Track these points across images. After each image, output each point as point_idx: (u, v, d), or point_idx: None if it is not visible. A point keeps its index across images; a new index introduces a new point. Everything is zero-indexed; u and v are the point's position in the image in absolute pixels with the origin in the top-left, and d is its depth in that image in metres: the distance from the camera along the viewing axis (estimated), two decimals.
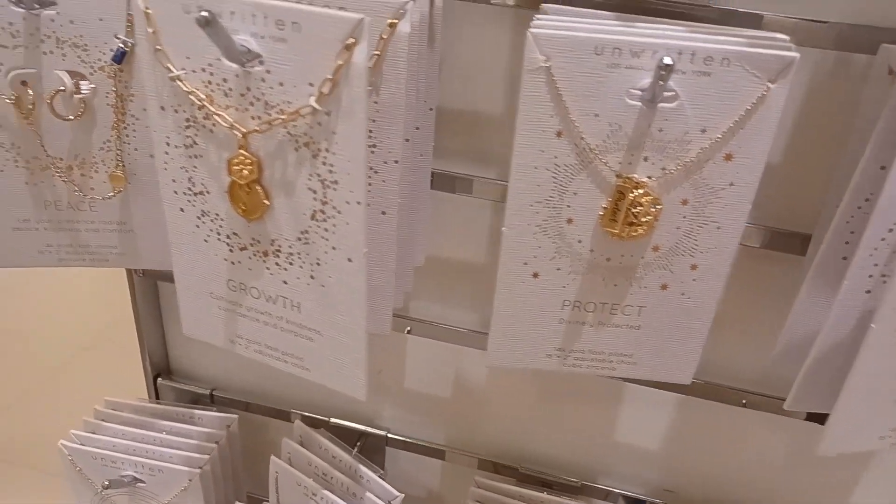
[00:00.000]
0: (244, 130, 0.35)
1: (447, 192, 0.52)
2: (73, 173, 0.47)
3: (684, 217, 0.38)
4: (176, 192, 0.39)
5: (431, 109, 0.46)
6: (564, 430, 0.64)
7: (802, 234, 0.47)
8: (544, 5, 0.40)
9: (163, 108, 0.37)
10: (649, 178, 0.37)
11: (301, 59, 0.32)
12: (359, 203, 0.34)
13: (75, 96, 0.44)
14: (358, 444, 0.67)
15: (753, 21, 0.42)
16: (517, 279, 0.41)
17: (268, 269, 0.39)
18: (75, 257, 0.51)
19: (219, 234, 0.39)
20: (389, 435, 0.67)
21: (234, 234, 0.39)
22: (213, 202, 0.38)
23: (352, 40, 0.30)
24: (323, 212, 0.35)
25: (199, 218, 0.39)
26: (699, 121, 0.35)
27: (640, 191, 0.37)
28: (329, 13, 0.30)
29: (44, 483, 1.14)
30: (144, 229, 0.50)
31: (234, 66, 0.33)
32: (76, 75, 0.44)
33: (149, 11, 0.34)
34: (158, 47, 0.35)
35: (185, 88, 0.35)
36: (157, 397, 0.70)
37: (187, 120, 0.36)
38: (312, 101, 0.32)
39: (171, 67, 0.35)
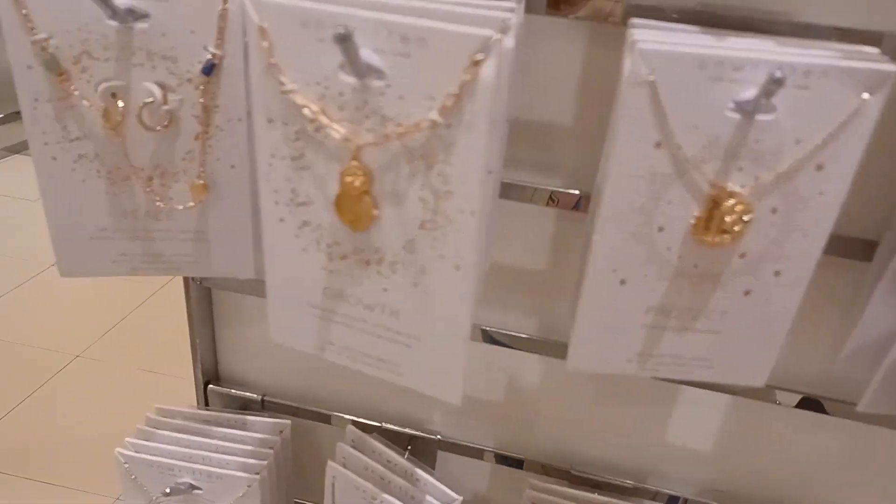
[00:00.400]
0: (359, 143, 0.35)
1: (511, 201, 0.54)
2: (153, 183, 0.47)
3: (773, 225, 0.40)
4: (277, 203, 0.40)
5: (507, 121, 0.47)
6: (615, 432, 0.65)
7: (866, 241, 0.49)
8: (633, 20, 0.41)
9: (271, 120, 0.37)
10: (742, 187, 0.39)
11: (424, 73, 0.33)
12: (472, 213, 0.35)
13: (163, 107, 0.44)
14: (408, 448, 0.68)
15: (827, 33, 0.44)
16: (604, 285, 0.42)
17: (368, 277, 0.40)
18: (148, 266, 0.51)
19: (318, 243, 0.40)
20: (441, 438, 0.68)
21: (336, 243, 0.40)
22: (316, 212, 0.39)
23: (480, 56, 0.31)
24: (433, 221, 0.36)
25: (299, 228, 0.40)
26: (794, 132, 0.37)
27: (734, 200, 0.39)
28: (457, 30, 0.31)
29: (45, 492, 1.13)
30: (220, 238, 0.50)
31: (353, 80, 0.34)
32: (164, 87, 0.44)
33: (264, 26, 0.35)
34: (272, 61, 0.35)
35: (298, 102, 0.36)
36: (207, 404, 0.70)
37: (296, 132, 0.37)
38: (434, 115, 0.33)
39: (285, 81, 0.36)
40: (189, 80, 0.44)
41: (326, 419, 0.70)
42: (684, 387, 0.62)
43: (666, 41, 0.36)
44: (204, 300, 0.66)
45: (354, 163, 0.36)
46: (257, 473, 0.62)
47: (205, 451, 0.63)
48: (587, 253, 0.43)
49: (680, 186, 0.39)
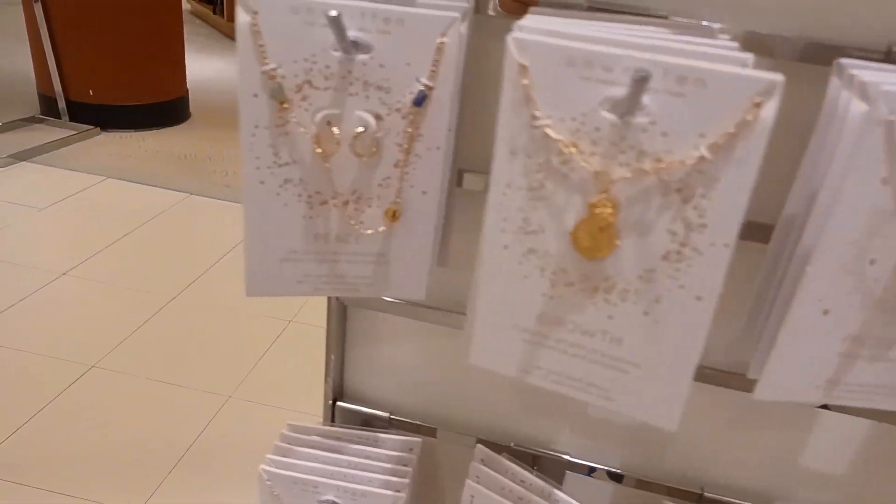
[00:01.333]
0: (612, 177, 0.37)
1: None
2: (348, 208, 0.48)
3: None
4: (504, 231, 0.41)
5: None
6: (745, 455, 0.66)
7: None
8: (841, 60, 0.42)
9: (514, 152, 0.39)
10: None
11: (697, 112, 0.34)
12: (726, 245, 0.36)
13: (375, 136, 0.45)
14: (534, 468, 0.69)
15: None
16: (808, 315, 0.43)
17: (593, 304, 0.41)
18: (329, 287, 0.52)
19: (543, 270, 0.41)
20: (569, 458, 0.69)
21: (563, 270, 0.41)
22: (545, 241, 0.40)
23: (761, 99, 0.33)
24: (679, 253, 0.37)
25: (524, 255, 0.41)
26: None
27: None
28: (742, 73, 0.33)
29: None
30: (400, 261, 0.51)
31: (613, 116, 0.36)
32: (375, 116, 0.45)
33: (524, 64, 0.36)
34: (530, 97, 0.37)
35: (551, 136, 0.37)
36: (333, 420, 0.71)
37: (539, 165, 0.38)
38: (704, 152, 0.34)
39: (538, 115, 0.37)
40: (398, 110, 0.45)
41: (450, 438, 0.71)
42: (820, 410, 0.63)
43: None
44: (340, 317, 0.67)
45: (604, 195, 0.37)
46: (400, 491, 0.63)
47: (344, 468, 0.64)
48: (790, 284, 0.44)
49: None
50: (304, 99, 0.44)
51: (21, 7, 2.93)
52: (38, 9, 2.83)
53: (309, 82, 0.44)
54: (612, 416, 0.68)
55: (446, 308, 0.64)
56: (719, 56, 0.35)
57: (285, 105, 0.44)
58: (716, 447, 0.66)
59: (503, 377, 0.46)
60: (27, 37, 2.94)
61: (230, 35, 5.13)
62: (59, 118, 3.04)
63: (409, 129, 0.46)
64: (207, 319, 1.72)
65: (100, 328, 1.63)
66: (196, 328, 1.68)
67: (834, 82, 0.43)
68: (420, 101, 0.45)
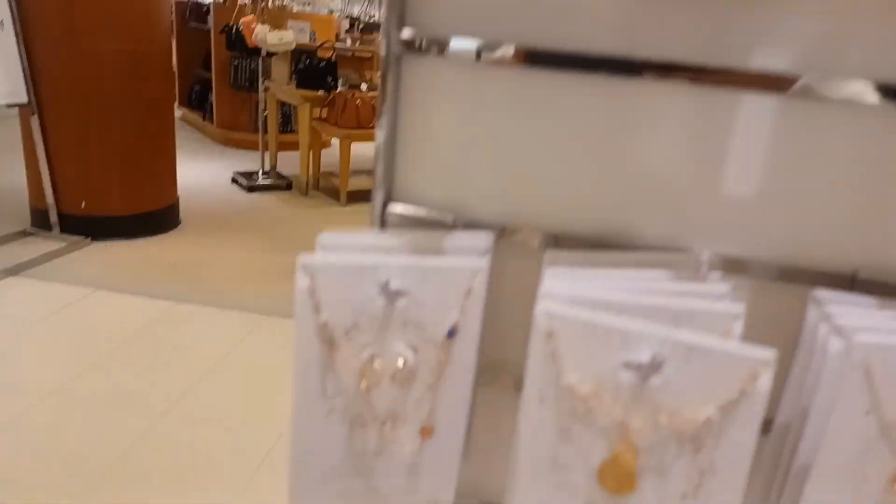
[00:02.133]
0: (631, 426, 0.42)
1: None
2: (385, 428, 0.53)
3: None
4: (533, 465, 0.46)
5: None
6: None
7: None
8: (817, 293, 0.49)
9: (542, 400, 0.44)
10: None
11: (706, 378, 0.40)
12: (736, 489, 0.41)
13: (412, 366, 0.50)
14: None
15: None
16: None
17: None
18: (362, 498, 0.56)
19: (574, 501, 0.46)
20: None
21: (592, 503, 0.45)
22: (573, 476, 0.45)
23: (758, 371, 0.38)
24: (695, 494, 0.42)
25: (555, 486, 0.46)
26: None
27: None
28: (739, 352, 0.38)
29: None
30: (430, 471, 0.55)
31: (631, 376, 0.41)
32: (412, 349, 0.51)
33: (552, 331, 0.42)
34: (556, 357, 0.42)
35: (576, 392, 0.42)
36: None
37: (566, 411, 0.44)
38: (713, 412, 0.40)
39: (564, 373, 0.42)
40: (432, 342, 0.51)
41: None
42: None
43: (872, 327, 0.44)
44: None
45: (624, 442, 0.42)
46: None
47: None
48: (792, 493, 0.49)
49: (883, 445, 0.46)
50: (349, 340, 0.49)
51: (17, 121, 3.01)
52: (35, 122, 2.91)
53: (356, 326, 0.49)
54: None
55: (461, 495, 0.67)
56: (714, 313, 0.41)
57: (334, 348, 0.49)
58: None
59: None
60: (22, 150, 3.01)
61: (218, 140, 5.28)
62: (50, 230, 3.08)
63: (442, 358, 0.51)
64: (198, 434, 1.70)
65: (89, 450, 1.62)
66: (187, 444, 1.67)
67: (811, 312, 0.49)
68: (452, 333, 0.50)
